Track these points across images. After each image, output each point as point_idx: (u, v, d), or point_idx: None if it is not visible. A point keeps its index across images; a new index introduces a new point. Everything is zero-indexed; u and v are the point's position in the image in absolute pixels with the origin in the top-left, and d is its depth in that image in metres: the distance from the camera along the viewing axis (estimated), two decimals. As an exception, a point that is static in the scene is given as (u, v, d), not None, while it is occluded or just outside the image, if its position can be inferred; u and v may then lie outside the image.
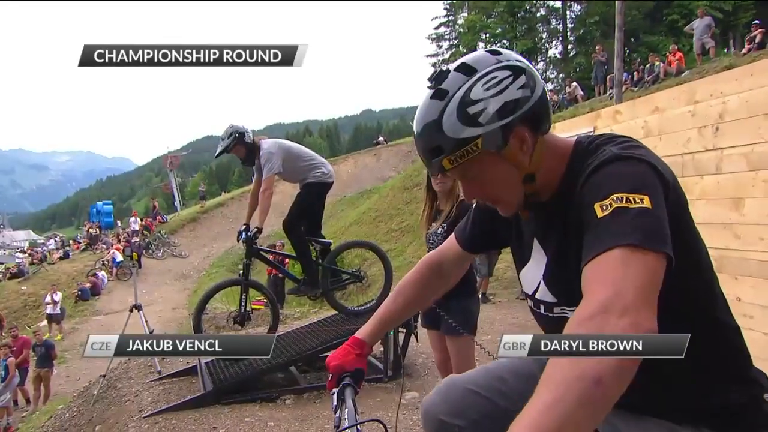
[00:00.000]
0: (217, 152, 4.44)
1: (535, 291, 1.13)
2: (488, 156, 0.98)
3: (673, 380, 1.01)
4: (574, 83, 19.08)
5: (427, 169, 1.23)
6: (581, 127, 5.49)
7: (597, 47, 17.99)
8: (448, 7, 37.92)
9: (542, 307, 1.12)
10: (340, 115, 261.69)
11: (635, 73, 15.53)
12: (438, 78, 1.01)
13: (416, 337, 4.64)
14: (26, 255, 32.62)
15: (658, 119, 4.48)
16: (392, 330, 4.48)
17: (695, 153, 4.05)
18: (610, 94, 14.71)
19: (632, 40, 25.16)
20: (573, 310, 0.83)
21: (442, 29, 37.98)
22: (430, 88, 1.02)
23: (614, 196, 0.83)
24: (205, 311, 4.39)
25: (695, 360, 0.97)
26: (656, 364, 0.73)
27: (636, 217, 0.80)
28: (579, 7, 33.20)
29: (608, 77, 15.95)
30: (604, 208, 0.83)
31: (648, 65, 15.17)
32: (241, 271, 4.41)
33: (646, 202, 0.82)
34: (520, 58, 1.03)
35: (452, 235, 1.39)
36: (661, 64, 14.62)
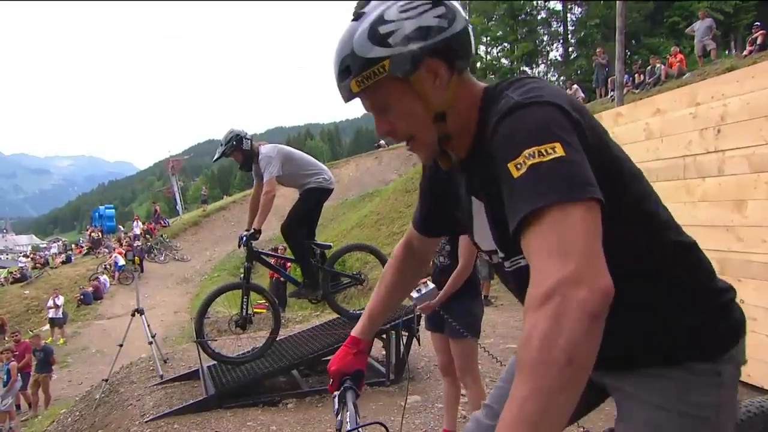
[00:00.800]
0: (215, 157, 4.47)
1: (494, 249, 1.09)
2: (396, 83, 0.94)
3: (639, 319, 1.01)
4: (575, 86, 19.10)
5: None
6: (582, 129, 5.50)
7: (598, 50, 17.97)
8: (448, 10, 38.08)
9: (506, 264, 1.09)
10: (342, 119, 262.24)
11: (636, 75, 15.53)
12: (361, 3, 0.99)
13: (418, 340, 4.63)
14: (29, 259, 32.69)
15: (659, 121, 4.48)
16: (394, 333, 4.50)
17: (697, 155, 4.05)
18: (611, 96, 14.72)
19: (633, 42, 25.17)
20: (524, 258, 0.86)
21: (442, 32, 38.16)
22: (354, 14, 0.99)
23: (526, 152, 0.79)
24: (206, 315, 4.39)
25: (654, 289, 1.01)
26: (616, 310, 0.73)
27: (553, 171, 0.77)
28: (580, 9, 33.27)
29: (609, 79, 15.96)
30: (519, 166, 0.79)
31: (649, 67, 15.16)
32: (243, 275, 4.42)
33: (559, 150, 0.78)
34: None
35: None
36: (662, 66, 14.61)
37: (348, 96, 0.99)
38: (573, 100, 0.91)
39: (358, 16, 0.97)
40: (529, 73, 36.51)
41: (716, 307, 1.05)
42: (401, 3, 0.94)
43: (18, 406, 8.91)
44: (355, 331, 1.31)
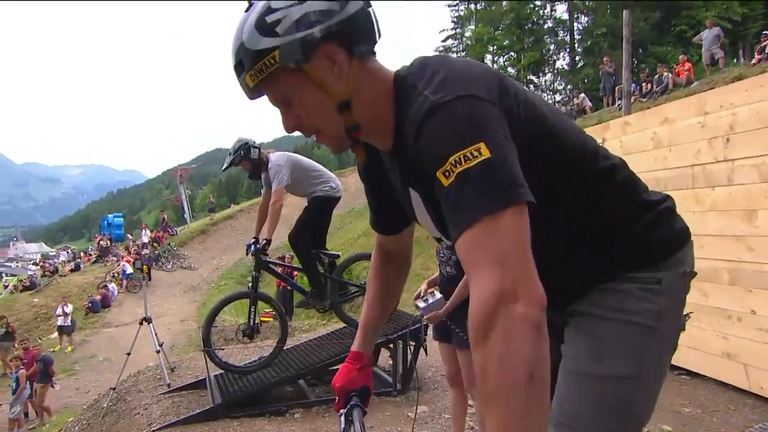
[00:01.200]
0: (224, 166, 4.49)
1: (442, 235, 1.11)
2: (291, 73, 0.90)
3: (575, 245, 1.04)
4: (582, 94, 19.12)
5: None
6: (590, 138, 5.49)
7: (605, 58, 18.04)
8: (455, 19, 38.22)
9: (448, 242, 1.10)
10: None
11: (644, 83, 15.51)
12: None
13: (425, 350, 4.60)
14: (38, 267, 32.94)
15: (667, 130, 4.46)
16: (401, 343, 4.48)
17: (706, 164, 4.02)
18: (618, 105, 14.69)
19: (640, 50, 25.16)
20: None
21: (449, 42, 38.28)
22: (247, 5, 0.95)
23: (452, 159, 0.78)
24: (214, 324, 4.40)
25: (584, 216, 1.04)
26: (553, 242, 0.82)
27: (481, 177, 0.77)
28: (586, 18, 33.35)
29: (616, 88, 15.95)
30: (447, 174, 0.79)
31: (656, 76, 15.14)
32: (250, 284, 4.42)
33: (484, 151, 0.77)
34: None
35: None
36: (670, 75, 14.58)
37: (249, 92, 0.95)
38: (489, 77, 0.89)
39: (249, 7, 0.93)
40: (536, 82, 36.57)
41: (648, 218, 1.06)
42: None
43: (26, 414, 8.94)
44: (355, 346, 1.29)
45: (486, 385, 0.71)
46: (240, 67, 0.92)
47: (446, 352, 3.00)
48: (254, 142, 4.39)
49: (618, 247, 1.05)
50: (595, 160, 1.05)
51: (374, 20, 0.95)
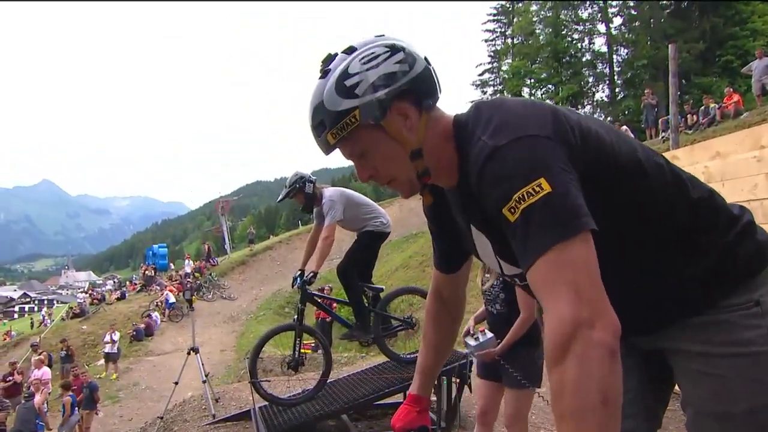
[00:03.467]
0: (280, 197, 4.61)
1: (502, 270, 1.14)
2: (369, 129, 0.99)
3: (659, 276, 1.04)
4: (624, 126, 18.77)
5: None
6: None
7: (646, 90, 17.78)
8: (492, 53, 38.64)
9: (517, 280, 1.14)
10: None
11: (689, 115, 15.15)
12: (326, 61, 1.04)
13: (470, 387, 4.51)
14: (87, 295, 34.28)
15: (720, 165, 4.34)
16: (446, 379, 4.41)
17: (764, 200, 3.88)
18: (662, 137, 14.38)
19: (683, 81, 24.69)
20: None
21: (486, 75, 38.61)
22: (320, 71, 1.04)
23: (515, 196, 0.84)
24: (259, 356, 4.45)
25: (668, 248, 1.03)
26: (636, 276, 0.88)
27: (545, 211, 0.82)
28: (626, 50, 33.08)
29: (659, 120, 15.64)
30: (513, 211, 0.84)
31: (702, 108, 14.78)
32: (296, 317, 4.48)
33: (545, 186, 0.82)
34: (403, 39, 1.05)
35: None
36: (717, 107, 14.21)
37: (327, 149, 1.04)
38: (541, 113, 0.94)
39: (324, 73, 1.02)
40: (575, 114, 36.25)
41: (733, 236, 1.03)
42: (363, 55, 1.00)
43: (74, 440, 9.15)
44: (413, 389, 1.33)
45: (561, 405, 0.75)
46: (321, 127, 1.01)
47: (486, 389, 2.94)
48: (310, 177, 4.50)
49: (705, 272, 1.02)
50: (662, 174, 1.04)
51: (435, 77, 1.05)
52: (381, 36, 1.04)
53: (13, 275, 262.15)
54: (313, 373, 5.47)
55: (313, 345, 10.30)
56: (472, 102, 1.09)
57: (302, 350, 7.68)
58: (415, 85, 1.00)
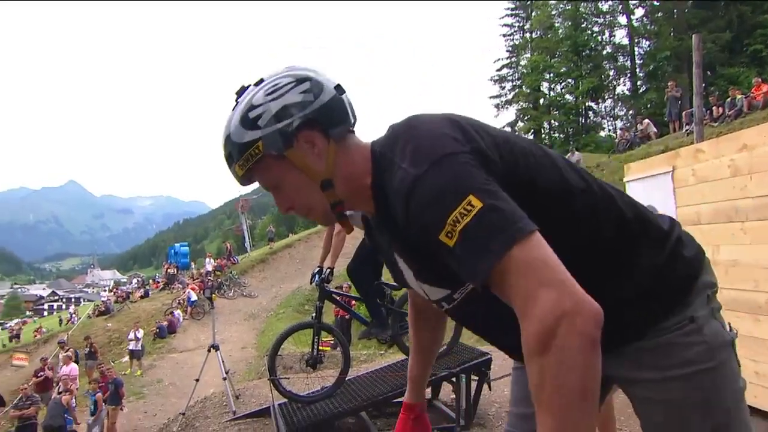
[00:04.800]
0: None
1: (426, 295, 1.12)
2: (275, 160, 0.99)
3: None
4: (647, 120, 18.45)
5: None
6: (658, 167, 5.25)
7: (670, 83, 17.36)
8: (510, 49, 38.24)
9: (445, 303, 1.09)
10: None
11: (714, 107, 14.78)
12: (238, 93, 1.05)
13: (489, 385, 4.47)
14: (111, 293, 35.03)
15: (747, 157, 4.21)
16: (464, 377, 4.38)
17: (793, 193, 3.75)
18: (686, 130, 14.05)
19: (708, 73, 24.08)
20: (461, 287, 0.98)
21: (504, 71, 38.26)
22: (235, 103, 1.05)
23: (449, 220, 0.82)
24: (278, 353, 4.48)
25: (595, 267, 0.98)
26: None
27: (483, 227, 0.80)
28: (648, 42, 32.39)
29: (683, 113, 15.29)
30: (450, 235, 0.82)
31: (729, 99, 14.39)
32: (314, 314, 4.50)
33: (475, 202, 0.81)
34: (314, 69, 1.04)
35: None
36: (744, 98, 13.82)
37: (239, 180, 1.05)
38: (456, 127, 0.93)
39: (234, 106, 1.03)
40: (595, 108, 35.65)
41: (663, 256, 1.02)
42: (268, 87, 1.00)
43: (100, 434, 9.37)
44: (406, 398, 1.36)
45: (541, 397, 0.75)
46: (230, 159, 1.02)
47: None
48: None
49: (637, 296, 1.01)
50: (589, 193, 1.02)
51: (347, 104, 1.04)
52: (291, 67, 1.05)
53: (42, 274, 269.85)
54: (332, 371, 5.49)
55: (332, 342, 10.34)
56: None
57: (321, 348, 7.70)
58: (321, 113, 0.99)
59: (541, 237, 0.81)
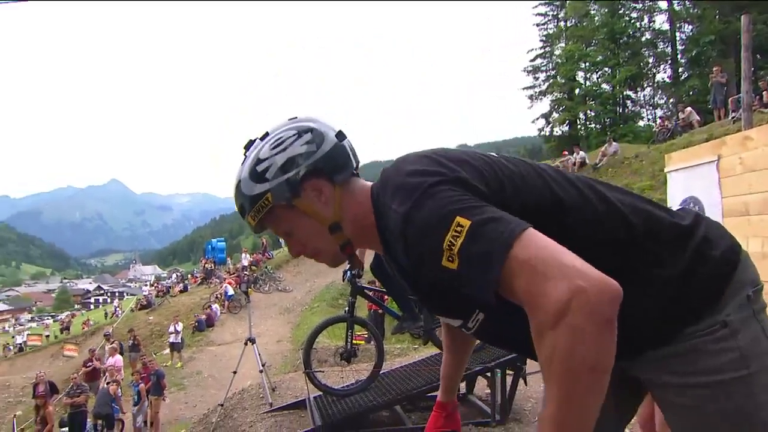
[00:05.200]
0: None
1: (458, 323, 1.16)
2: (285, 209, 1.05)
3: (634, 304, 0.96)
4: (689, 108, 17.67)
5: None
6: (702, 156, 5.03)
7: (715, 68, 16.42)
8: (544, 38, 37.35)
9: (464, 330, 1.13)
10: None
11: (765, 92, 14.04)
12: (246, 147, 1.11)
13: (525, 380, 4.41)
14: (152, 288, 36.25)
15: (800, 144, 3.99)
16: (500, 372, 4.33)
17: None
18: (733, 117, 13.43)
19: (758, 56, 22.88)
20: (473, 316, 1.04)
21: (538, 61, 37.40)
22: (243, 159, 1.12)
23: (444, 246, 0.84)
24: (313, 347, 4.53)
25: (635, 272, 0.96)
26: None
27: (477, 239, 0.82)
28: (690, 27, 31.04)
29: (730, 99, 14.62)
30: (451, 259, 0.84)
31: (780, 83, 13.65)
32: (347, 309, 4.53)
33: (464, 222, 0.83)
34: (315, 119, 1.11)
35: None
36: (795, 82, 13.09)
37: (253, 229, 1.12)
38: (435, 162, 0.97)
39: (243, 161, 1.10)
40: (634, 97, 34.50)
41: (682, 265, 0.97)
42: (272, 140, 1.07)
43: (146, 423, 9.73)
44: (439, 396, 1.41)
45: (550, 366, 0.76)
46: (242, 210, 1.09)
47: None
48: None
49: (661, 306, 0.97)
50: (588, 208, 1.00)
51: (349, 150, 1.10)
52: (293, 119, 1.12)
53: (88, 269, 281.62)
54: (366, 364, 5.53)
55: (366, 336, 10.40)
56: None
57: (355, 341, 7.75)
58: (325, 162, 1.05)
59: (536, 231, 0.81)
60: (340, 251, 1.10)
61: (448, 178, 0.92)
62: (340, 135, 1.10)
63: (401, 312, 4.57)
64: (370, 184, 1.11)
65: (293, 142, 1.05)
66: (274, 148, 1.06)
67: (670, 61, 32.32)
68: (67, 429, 10.50)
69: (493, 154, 1.06)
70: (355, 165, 1.11)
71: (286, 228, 1.10)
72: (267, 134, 1.10)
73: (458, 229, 0.83)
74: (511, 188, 0.98)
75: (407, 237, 0.91)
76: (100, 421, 9.27)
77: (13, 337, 40.27)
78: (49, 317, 63.28)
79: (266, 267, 25.95)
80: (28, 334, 37.03)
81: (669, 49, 32.34)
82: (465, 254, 0.82)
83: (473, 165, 0.98)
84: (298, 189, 1.04)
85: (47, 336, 35.44)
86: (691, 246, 0.98)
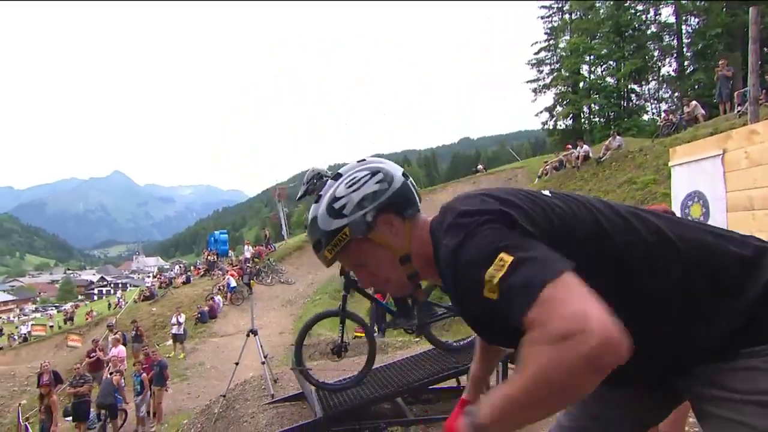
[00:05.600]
0: (299, 195, 4.58)
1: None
2: (360, 242, 1.14)
3: (671, 332, 1.02)
4: (694, 102, 17.56)
5: None
6: (707, 150, 4.99)
7: (721, 61, 16.23)
8: (548, 31, 37.09)
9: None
10: (438, 144, 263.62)
11: (771, 86, 13.89)
12: (319, 188, 1.22)
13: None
14: (155, 279, 36.38)
15: (807, 138, 3.95)
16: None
17: None
18: (738, 111, 13.32)
19: (765, 49, 22.65)
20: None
21: (542, 54, 37.18)
22: (315, 197, 1.22)
23: (486, 278, 0.89)
24: (304, 343, 4.51)
25: (677, 311, 1.01)
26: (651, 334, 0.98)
27: (518, 274, 0.86)
28: (696, 20, 30.76)
29: (736, 93, 14.50)
30: (492, 290, 0.89)
31: (788, 77, 13.51)
32: (340, 303, 4.51)
33: (506, 258, 0.88)
34: (383, 161, 1.22)
35: None
36: (804, 76, 12.95)
37: (326, 262, 1.20)
38: (488, 199, 1.04)
39: (318, 198, 1.20)
40: (638, 91, 34.27)
41: (745, 297, 0.99)
42: (347, 180, 1.17)
43: (149, 414, 9.80)
44: (465, 395, 1.47)
45: (525, 366, 0.81)
46: (318, 245, 1.18)
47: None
48: (326, 172, 4.48)
49: (719, 336, 1.00)
50: (633, 235, 1.04)
51: (413, 188, 1.21)
52: (363, 161, 1.22)
53: (91, 260, 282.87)
54: (359, 358, 5.53)
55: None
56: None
57: (356, 334, 7.76)
58: (395, 198, 1.15)
59: (574, 276, 0.84)
60: (407, 281, 1.18)
61: (498, 217, 0.97)
62: (406, 175, 1.20)
63: (396, 307, 4.55)
64: (430, 218, 1.19)
65: (367, 181, 1.16)
66: (349, 186, 1.16)
67: (675, 55, 32.10)
68: (70, 418, 10.59)
69: (546, 192, 1.11)
70: (419, 201, 1.21)
71: (359, 260, 1.19)
72: (340, 175, 1.20)
73: (501, 263, 0.88)
74: (559, 224, 1.03)
75: (454, 270, 0.99)
76: (103, 411, 9.34)
77: (17, 327, 40.58)
78: (53, 308, 63.63)
79: (269, 259, 25.98)
80: (32, 324, 37.29)
81: (675, 42, 32.10)
82: (504, 285, 0.87)
83: (519, 205, 1.02)
84: (373, 223, 1.14)
85: (51, 326, 35.66)
86: (760, 277, 1.00)
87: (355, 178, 1.17)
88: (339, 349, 4.44)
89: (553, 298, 0.80)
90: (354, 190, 1.15)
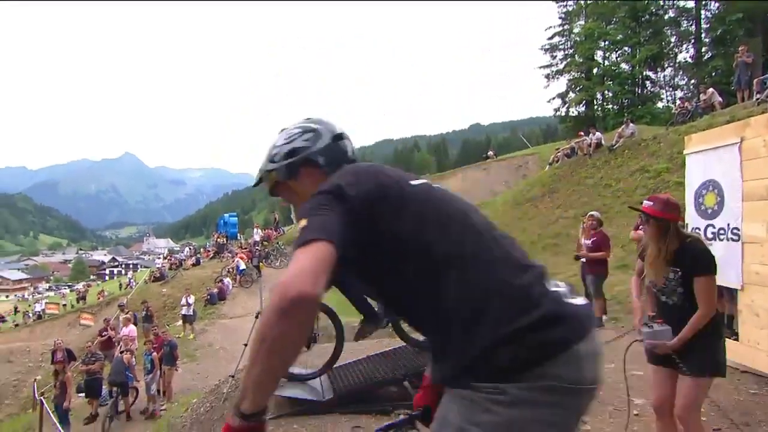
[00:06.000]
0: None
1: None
2: (284, 185, 1.43)
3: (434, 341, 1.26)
4: (711, 89, 17.19)
5: None
6: (725, 138, 4.90)
7: (741, 47, 15.69)
8: (563, 15, 36.41)
9: None
10: (448, 130, 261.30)
11: (791, 74, 13.57)
12: (280, 132, 1.48)
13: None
14: (166, 261, 36.77)
15: (829, 127, 3.86)
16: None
17: None
18: (757, 99, 13.05)
19: (784, 37, 22.10)
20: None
21: (556, 39, 36.56)
22: None
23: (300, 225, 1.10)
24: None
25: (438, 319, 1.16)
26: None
27: (306, 226, 1.07)
28: (716, 4, 29.98)
29: (755, 80, 14.20)
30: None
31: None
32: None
33: (303, 222, 1.08)
34: (322, 121, 1.45)
35: None
36: (825, 63, 12.62)
37: (269, 193, 1.48)
38: (349, 173, 1.23)
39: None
40: (654, 78, 33.68)
41: (502, 332, 1.07)
42: (286, 134, 1.44)
43: (158, 391, 9.98)
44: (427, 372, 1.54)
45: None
46: (258, 179, 1.48)
47: (661, 376, 2.85)
48: None
49: (459, 353, 1.11)
50: (442, 266, 1.15)
51: (343, 147, 1.43)
52: (308, 119, 1.46)
53: (103, 241, 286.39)
54: (366, 344, 5.53)
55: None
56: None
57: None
58: (315, 156, 1.38)
59: (325, 248, 1.01)
60: None
61: (332, 189, 1.16)
62: (340, 137, 1.43)
63: (361, 314, 3.88)
64: None
65: (297, 137, 1.41)
66: (284, 139, 1.43)
67: (693, 41, 31.37)
68: (83, 394, 10.82)
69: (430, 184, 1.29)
70: (349, 161, 1.40)
71: (288, 198, 1.46)
72: (284, 129, 1.46)
73: (302, 223, 1.08)
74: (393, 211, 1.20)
75: None
76: (115, 388, 9.52)
77: (31, 305, 41.34)
78: (66, 287, 64.74)
79: (277, 242, 26.14)
80: (46, 303, 37.98)
81: (693, 28, 31.36)
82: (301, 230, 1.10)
83: (368, 183, 1.20)
84: (296, 173, 1.39)
85: (64, 305, 36.31)
86: (518, 324, 1.08)
87: (291, 133, 1.43)
88: (308, 340, 4.40)
89: (296, 254, 1.01)
90: (285, 143, 1.41)
